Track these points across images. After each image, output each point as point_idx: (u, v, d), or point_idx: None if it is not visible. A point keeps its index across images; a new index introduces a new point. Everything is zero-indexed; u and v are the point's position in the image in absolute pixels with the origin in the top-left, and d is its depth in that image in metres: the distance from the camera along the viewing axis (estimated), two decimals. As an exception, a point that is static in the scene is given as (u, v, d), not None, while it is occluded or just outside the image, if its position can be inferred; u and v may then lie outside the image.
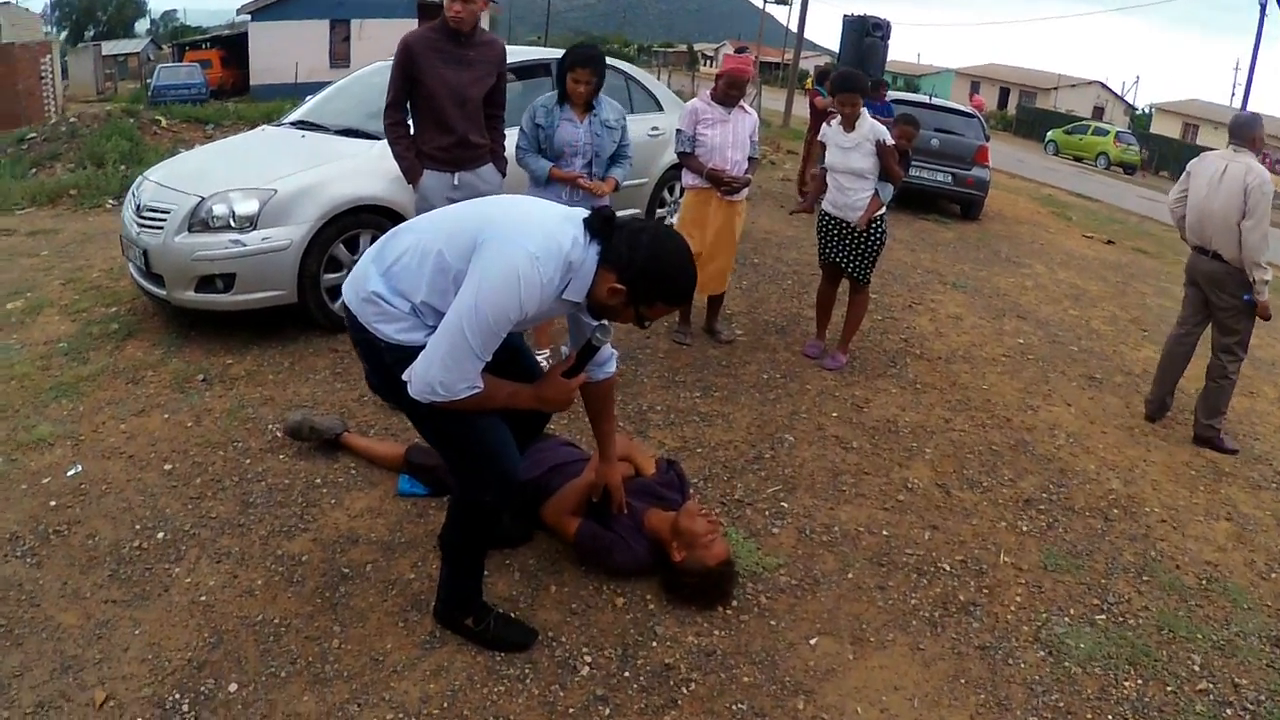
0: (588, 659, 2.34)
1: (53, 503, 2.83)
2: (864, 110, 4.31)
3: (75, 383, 3.66)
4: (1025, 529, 3.28)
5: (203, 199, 3.95)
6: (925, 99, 11.46)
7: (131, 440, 3.25)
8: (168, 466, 3.10)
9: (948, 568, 2.96)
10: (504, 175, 3.95)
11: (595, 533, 2.62)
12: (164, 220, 3.99)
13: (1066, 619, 2.76)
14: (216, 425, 3.41)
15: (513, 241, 1.88)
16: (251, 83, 25.31)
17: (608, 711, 2.17)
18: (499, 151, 3.93)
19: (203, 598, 2.47)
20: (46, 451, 3.12)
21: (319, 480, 3.08)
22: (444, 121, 3.63)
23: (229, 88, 26.54)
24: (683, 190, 4.67)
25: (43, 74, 21.07)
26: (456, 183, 3.71)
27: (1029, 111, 42.99)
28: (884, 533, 3.12)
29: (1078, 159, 28.62)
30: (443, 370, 1.89)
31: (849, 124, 4.30)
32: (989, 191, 10.16)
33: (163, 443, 3.25)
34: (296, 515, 2.87)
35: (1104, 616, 2.79)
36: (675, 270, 1.96)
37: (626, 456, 2.88)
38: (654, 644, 2.41)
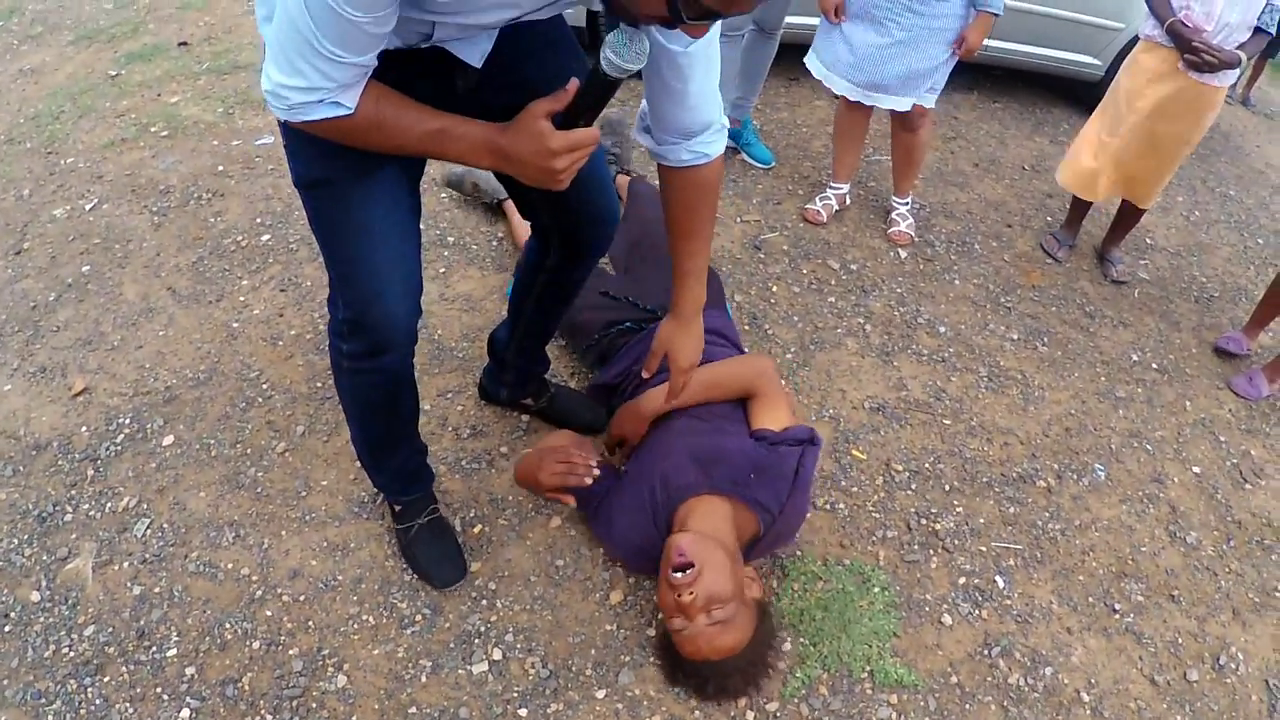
0: (498, 656, 1.54)
1: (220, 167, 2.72)
2: None
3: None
4: None
5: None
6: None
7: (336, 129, 3.00)
8: (338, 169, 2.79)
9: None
10: None
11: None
12: None
13: None
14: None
15: None
16: None
17: (443, 752, 1.41)
18: None
19: (236, 324, 2.17)
20: (260, 115, 3.01)
21: (452, 239, 2.53)
22: None
23: None
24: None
25: None
26: None
27: None
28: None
29: None
30: (271, 58, 0.99)
31: None
32: None
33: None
34: (395, 275, 2.39)
35: None
36: None
37: (748, 391, 1.74)
38: (600, 692, 1.51)
